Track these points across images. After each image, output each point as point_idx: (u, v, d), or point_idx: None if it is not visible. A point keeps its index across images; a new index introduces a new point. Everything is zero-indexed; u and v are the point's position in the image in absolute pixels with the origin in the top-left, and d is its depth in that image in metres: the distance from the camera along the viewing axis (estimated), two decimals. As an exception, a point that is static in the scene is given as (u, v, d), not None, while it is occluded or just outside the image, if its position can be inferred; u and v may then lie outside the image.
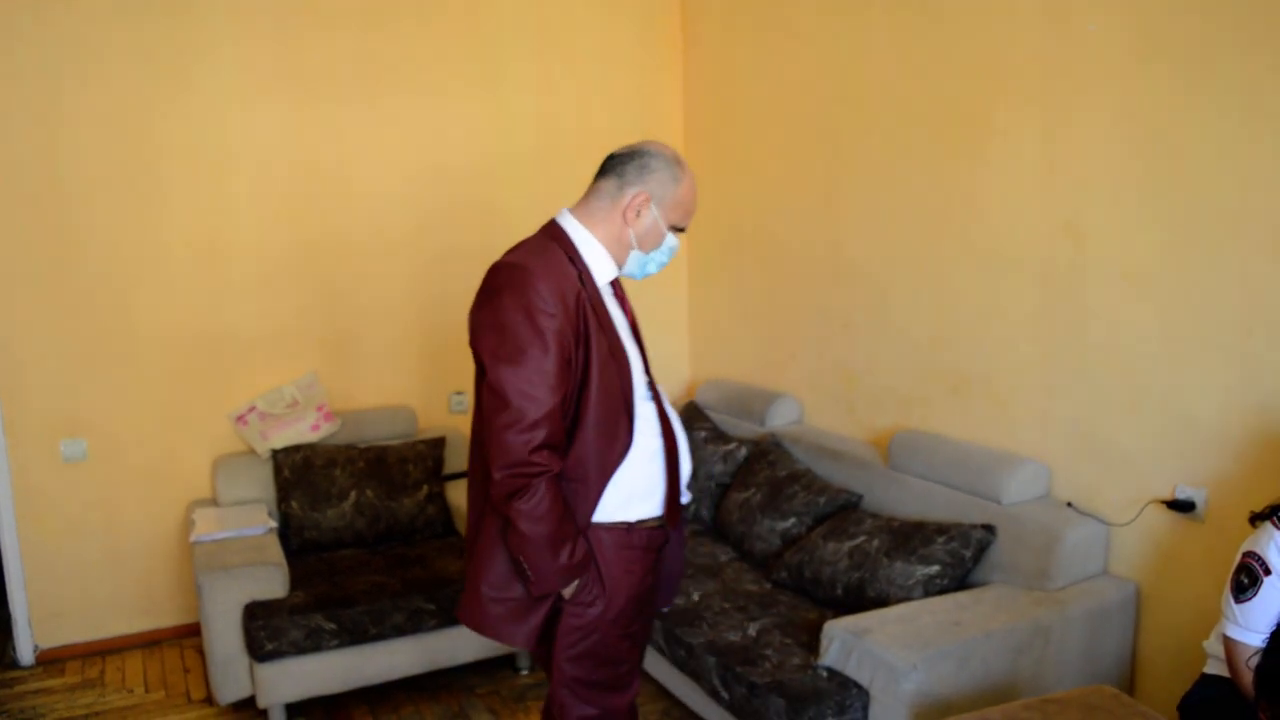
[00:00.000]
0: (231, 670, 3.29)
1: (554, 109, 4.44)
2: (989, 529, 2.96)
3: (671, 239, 2.14)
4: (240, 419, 3.97)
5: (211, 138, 3.87)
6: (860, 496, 3.44)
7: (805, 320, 4.06)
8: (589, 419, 2.01)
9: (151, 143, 3.78)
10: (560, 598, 2.07)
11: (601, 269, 2.10)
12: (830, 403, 3.96)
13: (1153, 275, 2.70)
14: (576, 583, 2.05)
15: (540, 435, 1.93)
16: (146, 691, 3.64)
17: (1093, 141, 2.81)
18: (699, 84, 4.64)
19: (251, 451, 3.95)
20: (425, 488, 3.92)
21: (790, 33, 3.97)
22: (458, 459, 4.18)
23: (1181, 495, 2.69)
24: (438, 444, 4.04)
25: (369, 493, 3.83)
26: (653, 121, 4.67)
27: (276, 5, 3.90)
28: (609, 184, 2.10)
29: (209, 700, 3.54)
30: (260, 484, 3.89)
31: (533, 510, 1.94)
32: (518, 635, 2.09)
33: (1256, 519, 2.20)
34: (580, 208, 2.13)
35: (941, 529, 3.01)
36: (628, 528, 2.10)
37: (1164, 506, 2.74)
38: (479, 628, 2.12)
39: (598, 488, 2.04)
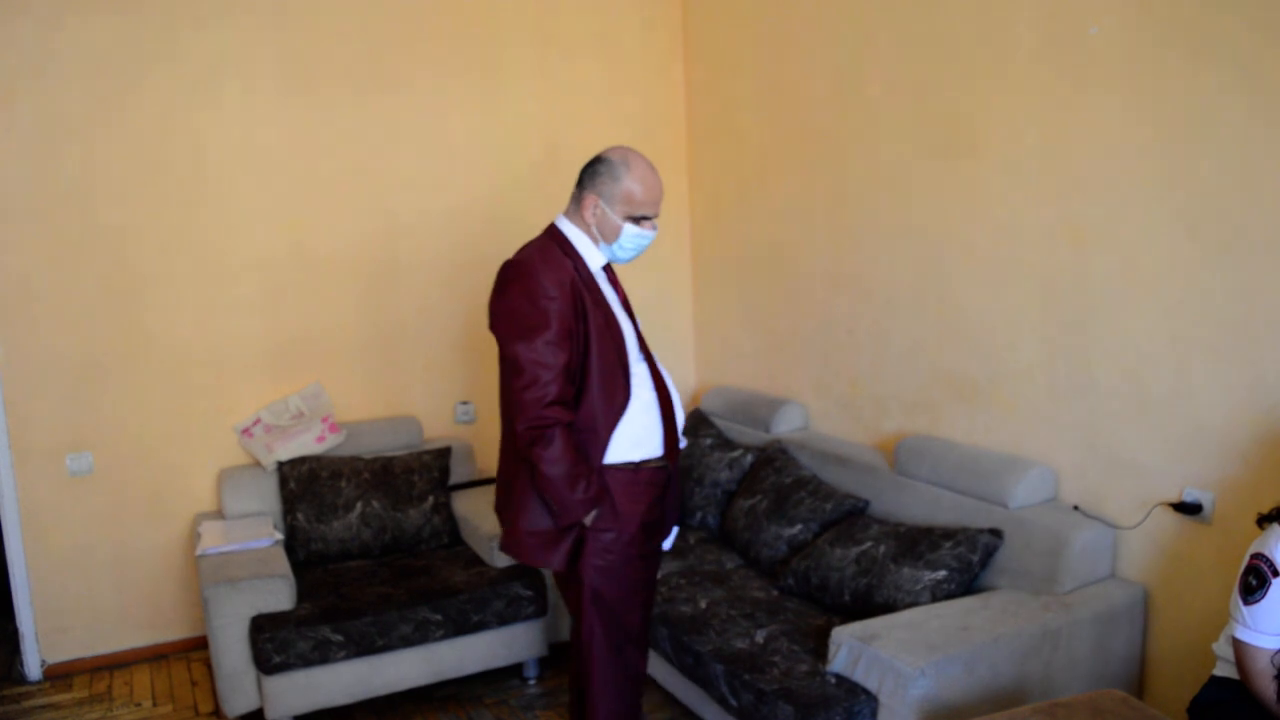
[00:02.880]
0: (239, 683, 3.29)
1: (558, 118, 4.46)
2: (996, 533, 2.96)
3: (631, 229, 2.51)
4: (245, 431, 3.98)
5: (216, 151, 3.88)
6: (867, 502, 3.43)
7: (810, 327, 4.06)
8: (592, 380, 2.46)
9: (155, 158, 3.80)
10: (583, 527, 2.49)
11: (592, 258, 2.55)
12: (836, 409, 3.96)
13: (1157, 278, 2.69)
14: (595, 512, 2.47)
15: (551, 393, 2.39)
16: (154, 705, 3.64)
17: (1095, 145, 2.82)
18: (701, 92, 4.65)
19: (257, 464, 3.96)
20: (431, 498, 3.92)
21: (792, 40, 3.98)
22: (463, 469, 4.19)
23: (1189, 498, 2.68)
24: (443, 454, 4.05)
25: (375, 504, 3.83)
26: (656, 130, 4.69)
27: (281, 20, 3.92)
28: (576, 190, 2.55)
29: (217, 713, 3.54)
30: (266, 496, 3.89)
31: (550, 455, 2.39)
32: (552, 560, 2.53)
33: (1264, 520, 2.20)
34: (567, 210, 2.58)
35: (948, 534, 3.00)
36: (634, 467, 2.53)
37: (1171, 509, 2.73)
38: (520, 556, 2.58)
39: (605, 435, 2.48)
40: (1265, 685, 2.10)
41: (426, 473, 3.96)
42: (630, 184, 2.48)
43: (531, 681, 3.69)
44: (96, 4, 3.65)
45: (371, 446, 4.08)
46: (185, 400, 3.94)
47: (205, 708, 3.61)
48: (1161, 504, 2.76)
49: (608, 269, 2.64)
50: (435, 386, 4.38)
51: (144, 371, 3.87)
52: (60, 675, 3.87)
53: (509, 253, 2.56)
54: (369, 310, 4.21)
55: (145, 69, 3.75)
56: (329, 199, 4.09)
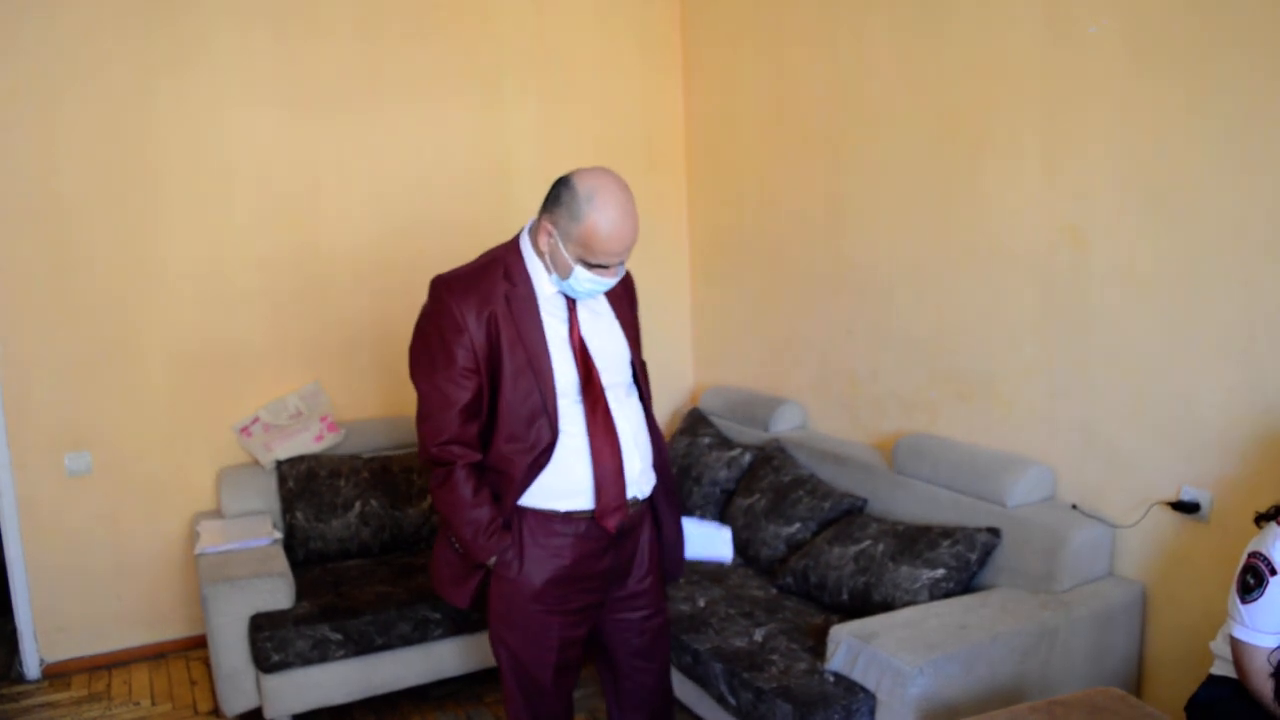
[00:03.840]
0: (238, 682, 3.29)
1: (554, 119, 4.46)
2: (994, 532, 2.96)
3: (583, 272, 2.16)
4: (244, 430, 3.98)
5: (212, 149, 3.88)
6: (865, 501, 3.44)
7: (808, 326, 4.06)
8: (500, 420, 2.23)
9: (152, 155, 3.79)
10: (488, 568, 2.32)
11: (543, 284, 2.25)
12: (834, 408, 3.96)
13: (1155, 277, 2.70)
14: (496, 557, 2.27)
15: (447, 431, 2.22)
16: (153, 704, 3.64)
17: (1094, 144, 2.82)
18: (699, 91, 4.65)
19: (256, 463, 3.95)
20: (430, 497, 3.92)
21: (790, 38, 3.98)
22: (462, 468, 4.18)
23: (1186, 496, 2.69)
24: (442, 453, 4.04)
25: (373, 503, 3.84)
26: (654, 130, 4.69)
27: (276, 19, 3.91)
28: (541, 205, 2.22)
29: (216, 712, 3.54)
30: (265, 495, 3.89)
31: (445, 495, 2.25)
32: (457, 596, 2.38)
33: (1261, 519, 2.20)
34: (532, 225, 2.27)
35: (946, 532, 3.01)
36: (562, 516, 2.28)
37: (1169, 508, 2.73)
38: (435, 588, 2.44)
39: (520, 478, 2.24)
40: (1263, 684, 2.11)
41: (425, 472, 3.96)
42: (592, 228, 2.10)
43: (530, 680, 3.69)
44: (101, 17, 3.65)
45: (370, 445, 4.08)
46: (184, 399, 3.94)
47: (204, 706, 3.61)
48: (1159, 503, 2.76)
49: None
50: (434, 385, 4.37)
51: (142, 371, 3.87)
52: (59, 674, 3.87)
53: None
54: (367, 310, 4.20)
55: (147, 77, 3.74)
56: (331, 200, 4.08)
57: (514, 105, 4.37)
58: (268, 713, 3.27)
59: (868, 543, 3.12)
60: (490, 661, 3.54)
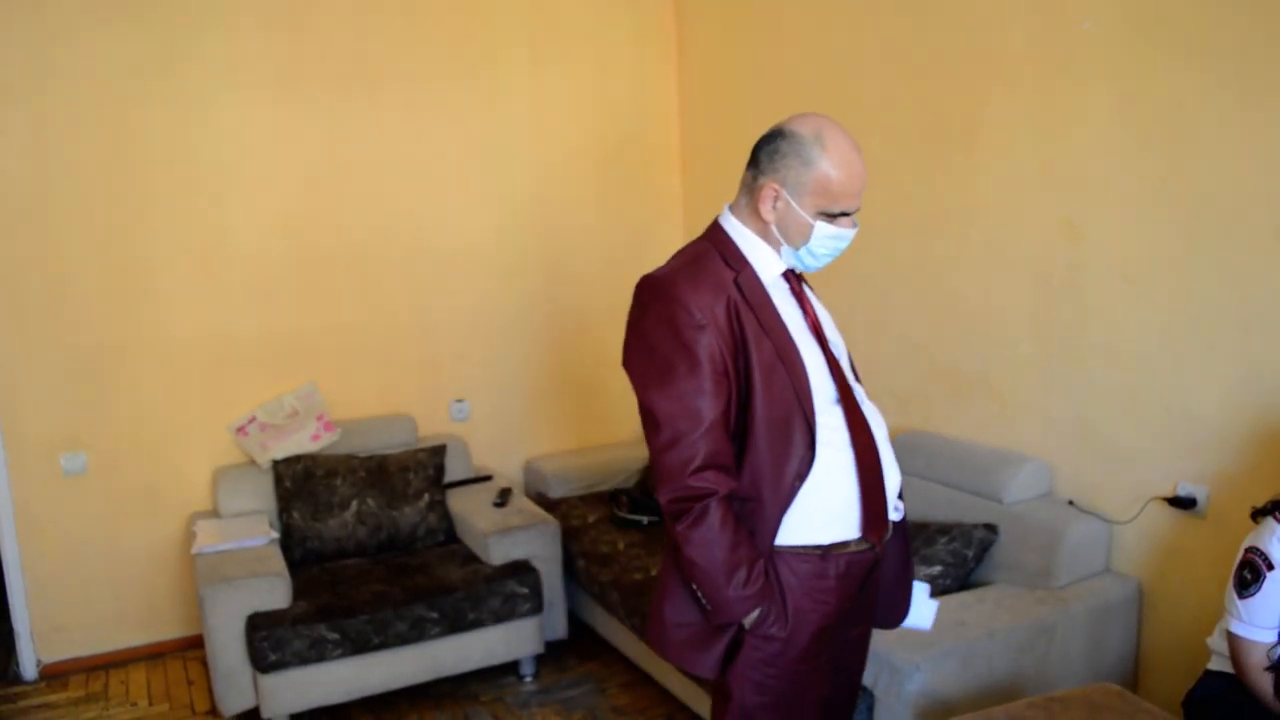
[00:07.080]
0: (235, 682, 3.28)
1: (549, 112, 4.45)
2: (991, 528, 2.96)
3: (825, 228, 1.89)
4: (240, 430, 3.97)
5: (206, 147, 3.87)
6: (862, 498, 3.43)
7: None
8: (757, 432, 1.86)
9: (144, 154, 3.78)
10: (742, 627, 1.91)
11: (767, 265, 1.95)
12: (830, 404, 3.96)
13: (1151, 272, 2.70)
14: (758, 611, 1.88)
15: (700, 455, 1.82)
16: (150, 704, 3.64)
17: (1089, 139, 2.82)
18: (694, 86, 4.64)
19: (252, 462, 3.95)
20: (426, 496, 3.92)
21: (784, 32, 3.98)
22: (459, 467, 4.18)
23: (1183, 492, 2.69)
24: (438, 452, 4.04)
25: (370, 502, 3.83)
26: (648, 124, 4.68)
27: (268, 12, 3.90)
28: (747, 175, 1.94)
29: (213, 712, 3.53)
30: (261, 495, 3.88)
31: (700, 536, 1.83)
32: (701, 663, 1.97)
33: (1258, 514, 2.20)
34: (735, 202, 1.99)
35: (943, 529, 3.01)
36: (821, 553, 1.91)
37: (1166, 503, 2.73)
38: (664, 654, 2.01)
39: (775, 508, 1.88)
40: (1260, 679, 2.11)
41: (422, 470, 3.95)
42: (827, 169, 1.85)
43: (528, 679, 3.69)
44: (95, 11, 3.64)
45: (366, 445, 4.08)
46: (180, 399, 3.93)
47: (201, 706, 3.61)
48: (1156, 498, 2.76)
49: (791, 274, 2.01)
50: (430, 384, 4.37)
51: (138, 370, 3.86)
52: (56, 675, 3.86)
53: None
54: (364, 309, 4.20)
55: (141, 72, 3.73)
56: (324, 198, 4.07)
57: (509, 102, 4.36)
58: (265, 712, 3.27)
59: (865, 539, 3.11)
60: (490, 660, 3.55)
